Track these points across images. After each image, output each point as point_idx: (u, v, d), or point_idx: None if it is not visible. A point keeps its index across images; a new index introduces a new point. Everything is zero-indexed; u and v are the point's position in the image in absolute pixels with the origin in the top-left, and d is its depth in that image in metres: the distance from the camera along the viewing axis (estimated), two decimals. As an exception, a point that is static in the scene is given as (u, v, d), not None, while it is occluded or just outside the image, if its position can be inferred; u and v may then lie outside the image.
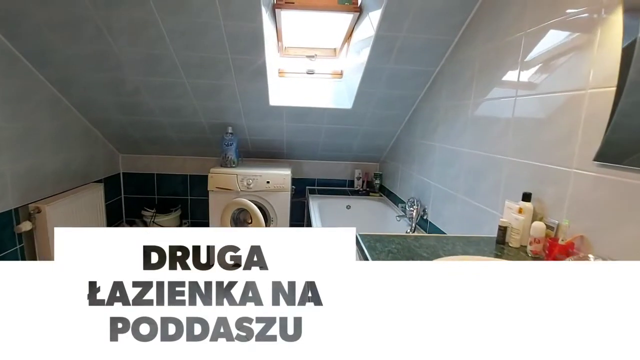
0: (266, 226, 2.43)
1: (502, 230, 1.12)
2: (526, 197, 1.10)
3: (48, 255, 1.94)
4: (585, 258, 0.79)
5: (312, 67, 2.42)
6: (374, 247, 1.04)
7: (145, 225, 2.81)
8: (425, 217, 1.98)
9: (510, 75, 1.28)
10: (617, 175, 0.85)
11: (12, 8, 1.53)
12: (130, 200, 3.04)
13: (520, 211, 1.09)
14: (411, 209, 2.06)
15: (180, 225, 2.95)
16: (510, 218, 1.12)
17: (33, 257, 1.95)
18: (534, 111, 1.15)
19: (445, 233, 1.72)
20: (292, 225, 2.68)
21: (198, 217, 3.09)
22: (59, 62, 1.88)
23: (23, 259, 1.92)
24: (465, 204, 1.56)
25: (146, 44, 1.76)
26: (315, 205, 2.58)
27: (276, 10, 1.86)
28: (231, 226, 2.44)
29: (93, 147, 2.57)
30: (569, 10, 1.02)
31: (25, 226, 1.86)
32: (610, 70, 0.86)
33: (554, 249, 0.92)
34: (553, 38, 1.08)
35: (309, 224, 2.53)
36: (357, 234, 1.14)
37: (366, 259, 0.99)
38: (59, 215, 2.00)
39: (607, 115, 0.85)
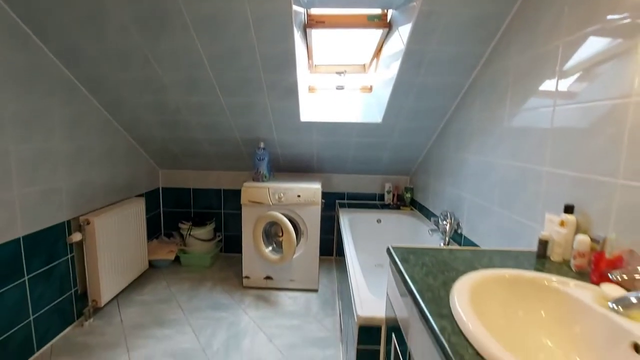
0: (297, 239, 2.46)
1: (543, 244, 1.07)
2: (568, 209, 1.05)
3: (95, 265, 2.07)
4: (635, 272, 0.74)
5: (342, 82, 2.47)
6: (407, 260, 1.03)
7: (182, 237, 2.93)
8: (459, 231, 1.93)
9: (548, 85, 1.25)
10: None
11: (69, 40, 1.71)
12: (168, 214, 3.20)
13: (562, 224, 1.04)
14: (444, 222, 2.02)
15: (214, 238, 3.06)
16: (551, 231, 1.07)
17: (82, 267, 2.10)
18: (574, 121, 1.11)
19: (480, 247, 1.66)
20: (322, 238, 2.70)
21: (231, 229, 3.19)
22: (111, 88, 2.06)
23: (73, 267, 2.07)
24: (501, 217, 1.51)
25: (187, 68, 1.89)
26: (345, 219, 2.58)
27: (307, 29, 1.94)
28: (263, 239, 2.49)
29: (136, 164, 2.75)
30: (609, 17, 0.99)
31: (76, 237, 2.01)
32: (656, 76, 0.82)
33: (601, 263, 0.86)
34: (593, 45, 1.05)
35: (340, 238, 2.53)
36: (390, 247, 1.14)
37: (400, 271, 0.98)
38: (105, 227, 2.14)
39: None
